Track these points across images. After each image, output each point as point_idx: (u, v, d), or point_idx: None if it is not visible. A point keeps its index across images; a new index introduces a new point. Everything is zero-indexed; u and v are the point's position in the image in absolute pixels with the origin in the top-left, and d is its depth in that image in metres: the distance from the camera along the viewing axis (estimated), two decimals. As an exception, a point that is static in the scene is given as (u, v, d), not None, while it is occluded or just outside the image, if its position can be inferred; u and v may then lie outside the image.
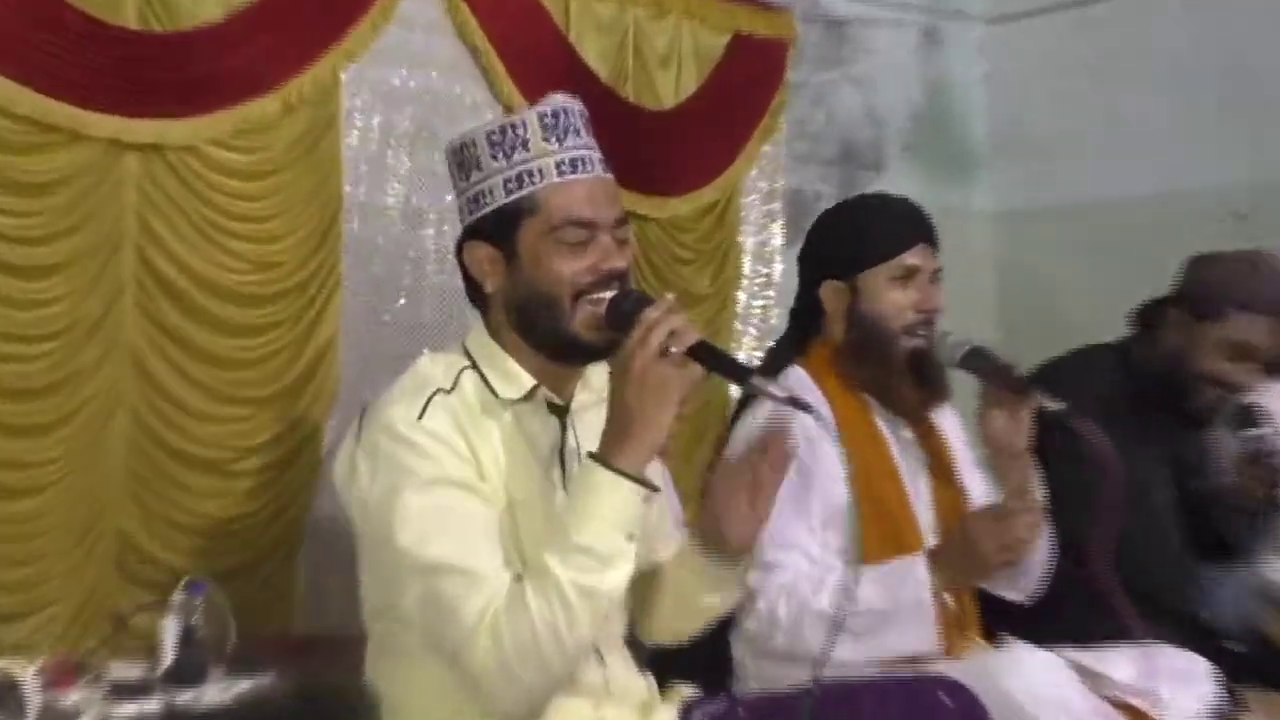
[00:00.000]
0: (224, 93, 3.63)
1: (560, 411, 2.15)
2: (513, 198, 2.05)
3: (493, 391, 2.08)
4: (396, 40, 4.06)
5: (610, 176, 2.12)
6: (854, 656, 2.29)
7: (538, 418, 2.13)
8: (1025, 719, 2.20)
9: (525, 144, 2.04)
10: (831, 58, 5.29)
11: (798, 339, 2.74)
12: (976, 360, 2.58)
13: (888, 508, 2.57)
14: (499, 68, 4.23)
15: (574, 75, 4.36)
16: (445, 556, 1.94)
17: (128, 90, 3.45)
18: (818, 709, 1.98)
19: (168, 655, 3.18)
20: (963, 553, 2.42)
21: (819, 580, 2.44)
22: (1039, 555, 2.66)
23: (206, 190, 3.64)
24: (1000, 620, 2.70)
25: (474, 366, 2.11)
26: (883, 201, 2.78)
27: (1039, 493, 2.59)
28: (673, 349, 1.89)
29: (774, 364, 2.69)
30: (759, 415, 2.51)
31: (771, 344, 2.93)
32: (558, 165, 2.04)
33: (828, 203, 3.69)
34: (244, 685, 3.06)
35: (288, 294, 3.82)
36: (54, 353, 3.41)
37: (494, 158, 2.05)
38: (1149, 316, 3.22)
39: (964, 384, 2.69)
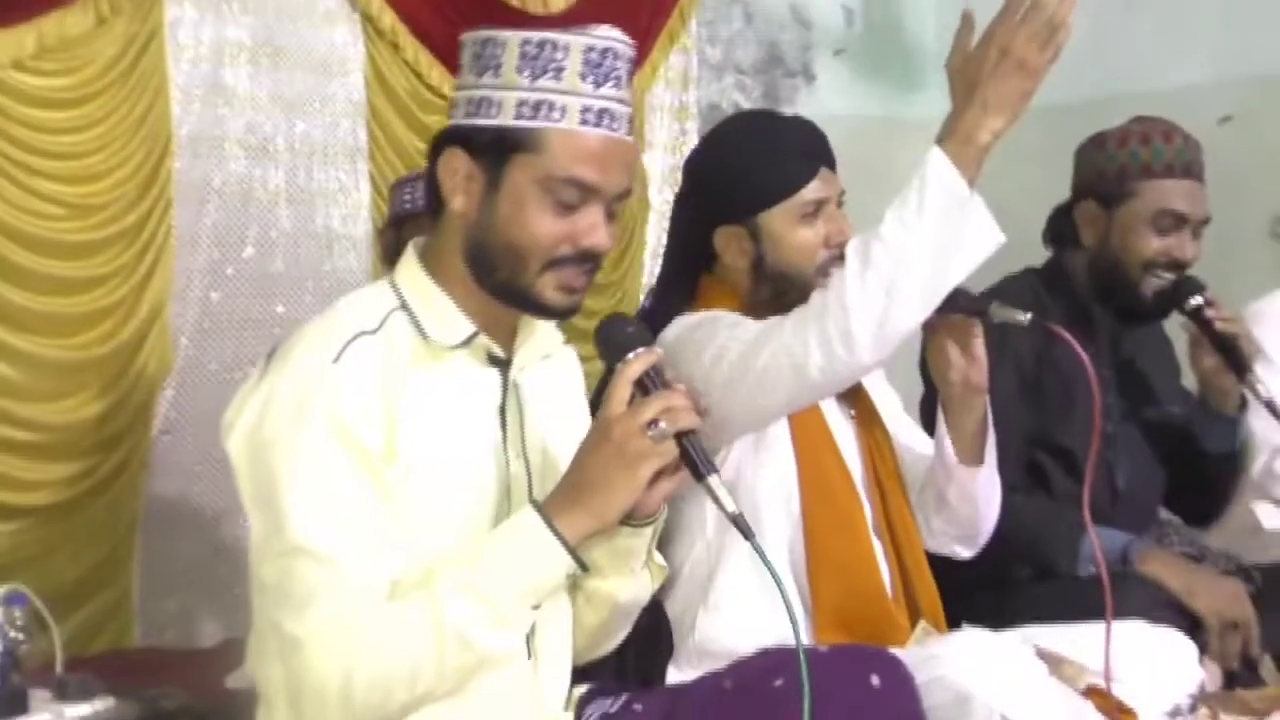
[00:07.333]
0: (20, 3, 3.57)
1: (502, 365, 2.18)
2: (520, 124, 2.07)
3: (424, 336, 2.10)
4: (228, -67, 4.02)
5: (631, 140, 2.15)
6: None
7: (475, 369, 2.15)
8: (981, 713, 2.25)
9: (559, 72, 2.06)
10: (751, -55, 5.29)
11: (686, 280, 2.76)
12: None
13: (829, 481, 2.62)
14: (353, -34, 4.21)
15: (445, -26, 4.35)
16: (316, 540, 1.95)
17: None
18: (738, 681, 2.09)
19: (-18, 681, 3.14)
20: (992, 76, 2.28)
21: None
22: (992, 501, 2.75)
23: (4, 123, 3.59)
24: (955, 602, 2.75)
25: (404, 307, 2.12)
26: (771, 125, 2.78)
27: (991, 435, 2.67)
28: (661, 424, 1.95)
29: (663, 313, 2.72)
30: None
31: (655, 288, 2.94)
32: (583, 111, 2.07)
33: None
34: (77, 713, 3.04)
35: (111, 243, 3.80)
36: None
37: (519, 70, 2.06)
38: (1060, 227, 3.33)
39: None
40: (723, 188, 2.68)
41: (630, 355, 2.01)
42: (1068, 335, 2.53)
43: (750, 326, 2.50)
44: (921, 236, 2.25)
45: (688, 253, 2.76)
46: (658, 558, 2.24)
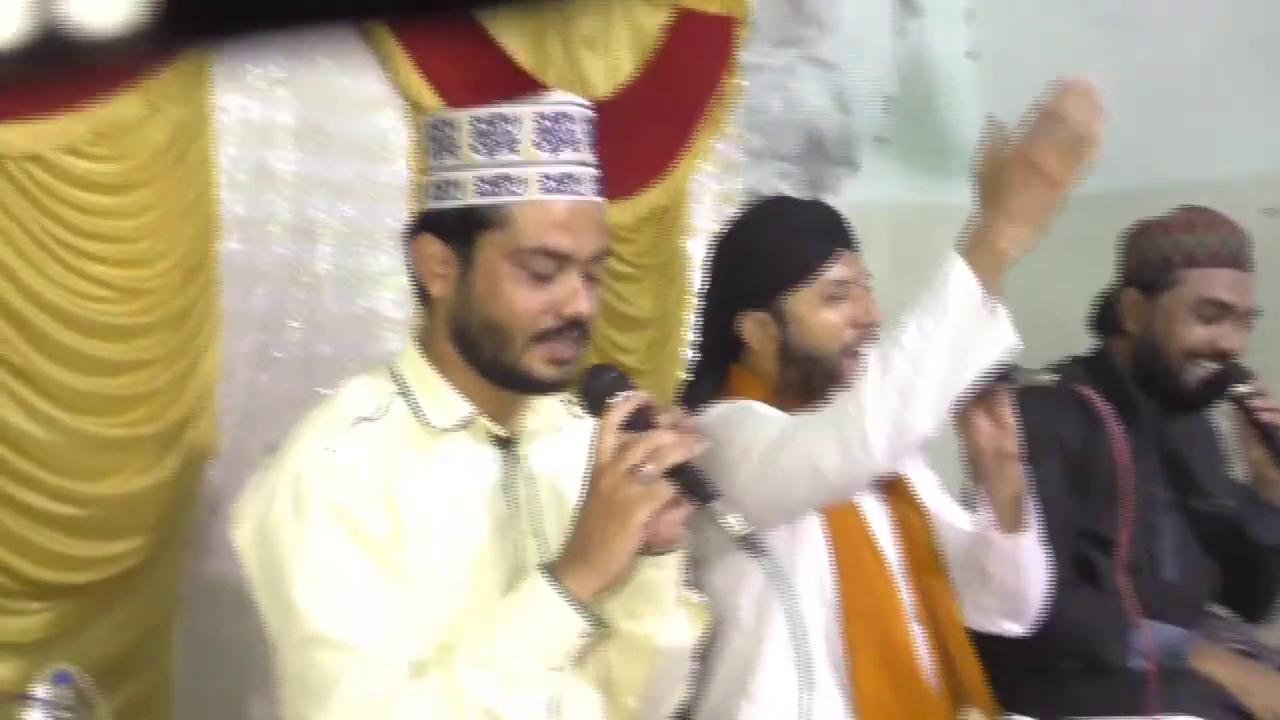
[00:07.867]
0: (74, 92, 3.56)
1: (505, 443, 2.18)
2: (483, 201, 2.07)
3: (423, 420, 2.10)
4: (273, 23, 4.06)
5: (600, 200, 2.15)
6: None
7: (477, 449, 2.16)
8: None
9: (513, 144, 2.06)
10: (790, 35, 5.29)
11: (716, 370, 2.78)
12: None
13: (865, 568, 2.63)
14: (398, 54, 4.24)
15: (489, 63, 4.39)
16: (331, 628, 1.98)
17: (-42, 90, 3.42)
18: None
19: (33, 765, 3.13)
20: (1017, 187, 2.29)
21: None
22: (1039, 571, 2.73)
23: (56, 205, 3.61)
24: (1003, 689, 2.74)
25: (403, 392, 2.14)
26: (790, 210, 2.82)
27: (1034, 506, 2.66)
28: (647, 466, 1.93)
29: (694, 404, 2.73)
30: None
31: (687, 379, 2.96)
32: (543, 179, 2.07)
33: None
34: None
35: (161, 326, 3.80)
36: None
37: (475, 149, 2.07)
38: (1105, 314, 3.33)
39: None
40: (744, 273, 2.71)
41: (612, 401, 2.00)
42: (1094, 396, 2.54)
43: (776, 422, 2.52)
44: (939, 344, 2.28)
45: (715, 342, 2.79)
46: (694, 596, 2.23)
